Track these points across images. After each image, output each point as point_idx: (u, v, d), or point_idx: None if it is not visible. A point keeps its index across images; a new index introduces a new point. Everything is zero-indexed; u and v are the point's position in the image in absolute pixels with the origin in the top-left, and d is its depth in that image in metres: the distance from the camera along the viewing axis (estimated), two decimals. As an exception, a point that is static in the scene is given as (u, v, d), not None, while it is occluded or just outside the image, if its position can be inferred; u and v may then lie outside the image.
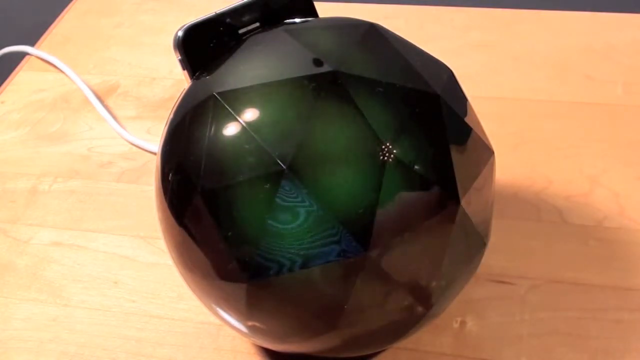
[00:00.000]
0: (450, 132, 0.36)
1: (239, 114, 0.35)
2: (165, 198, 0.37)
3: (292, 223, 0.33)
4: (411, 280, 0.36)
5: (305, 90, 0.35)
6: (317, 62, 0.36)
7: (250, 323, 0.37)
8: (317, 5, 0.42)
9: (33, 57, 0.73)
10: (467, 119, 0.38)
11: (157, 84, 0.68)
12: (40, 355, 0.48)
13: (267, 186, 0.33)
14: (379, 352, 0.45)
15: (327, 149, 0.34)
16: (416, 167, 0.34)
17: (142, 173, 0.59)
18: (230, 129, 0.35)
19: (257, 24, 0.41)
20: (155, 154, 0.61)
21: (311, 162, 0.33)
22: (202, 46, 0.40)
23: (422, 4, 0.76)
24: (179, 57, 0.40)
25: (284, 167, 0.33)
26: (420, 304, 0.37)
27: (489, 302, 0.47)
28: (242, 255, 0.34)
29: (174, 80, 0.68)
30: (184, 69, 0.40)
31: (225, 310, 0.38)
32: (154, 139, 0.62)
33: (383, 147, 0.34)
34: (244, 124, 0.35)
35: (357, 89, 0.35)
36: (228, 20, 0.40)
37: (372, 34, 0.39)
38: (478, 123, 0.40)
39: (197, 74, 0.40)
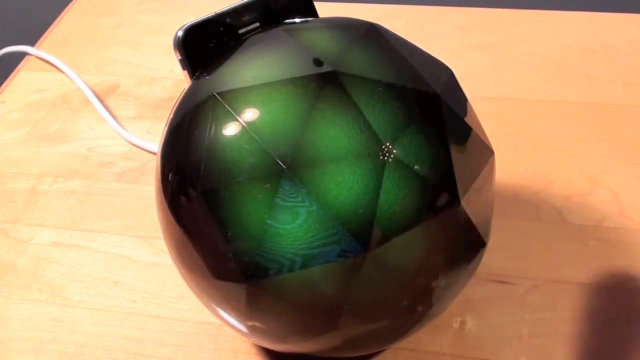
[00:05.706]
0: (450, 132, 0.36)
1: (239, 114, 0.35)
2: (165, 198, 0.37)
3: (292, 223, 0.33)
4: (411, 280, 0.36)
5: (305, 90, 0.35)
6: (317, 62, 0.36)
7: (250, 323, 0.37)
8: (317, 5, 0.42)
9: (33, 57, 0.73)
10: (467, 119, 0.38)
11: (157, 84, 0.68)
12: (40, 356, 0.48)
13: (267, 186, 0.33)
14: (379, 352, 0.45)
15: (327, 149, 0.34)
16: (416, 167, 0.34)
17: (142, 173, 0.59)
18: (230, 129, 0.35)
19: (257, 24, 0.41)
20: (155, 154, 0.61)
21: (311, 162, 0.33)
22: (202, 46, 0.40)
23: (422, 4, 0.76)
24: (179, 57, 0.40)
25: (284, 167, 0.33)
26: (420, 303, 0.37)
27: (489, 302, 0.47)
28: (242, 255, 0.34)
29: (174, 80, 0.68)
30: (184, 69, 0.40)
31: (225, 310, 0.38)
32: (154, 139, 0.62)
33: (383, 147, 0.34)
34: (244, 124, 0.35)
35: (357, 89, 0.35)
36: (228, 20, 0.40)
37: (372, 34, 0.39)
38: (478, 123, 0.39)
39: (197, 74, 0.40)
